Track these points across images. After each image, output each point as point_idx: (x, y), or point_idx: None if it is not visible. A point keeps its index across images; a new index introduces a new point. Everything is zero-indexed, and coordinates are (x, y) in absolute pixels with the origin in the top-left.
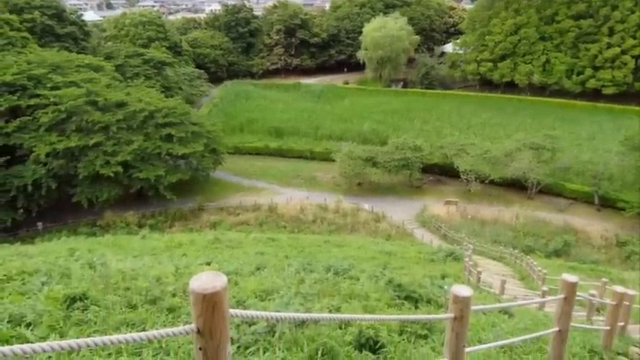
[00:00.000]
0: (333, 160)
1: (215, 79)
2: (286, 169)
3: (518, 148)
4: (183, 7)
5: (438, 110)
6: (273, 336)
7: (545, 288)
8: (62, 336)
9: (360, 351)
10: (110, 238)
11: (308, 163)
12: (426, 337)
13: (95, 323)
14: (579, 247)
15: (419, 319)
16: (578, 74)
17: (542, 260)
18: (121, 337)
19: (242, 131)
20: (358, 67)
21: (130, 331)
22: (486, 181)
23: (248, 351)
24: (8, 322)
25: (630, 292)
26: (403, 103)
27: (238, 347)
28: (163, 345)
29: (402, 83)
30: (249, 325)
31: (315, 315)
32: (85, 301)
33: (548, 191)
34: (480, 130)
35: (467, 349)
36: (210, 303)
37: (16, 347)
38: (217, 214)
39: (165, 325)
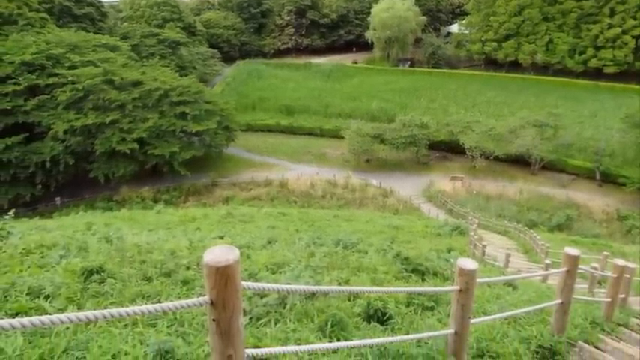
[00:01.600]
0: (343, 138)
1: (228, 59)
2: (297, 146)
3: (521, 126)
4: None
5: (444, 89)
6: (284, 307)
7: (548, 261)
8: (80, 307)
9: (369, 322)
10: (126, 212)
11: (318, 140)
12: (432, 308)
13: (112, 295)
14: (581, 221)
15: (425, 291)
16: (580, 54)
17: (545, 234)
18: (136, 308)
19: (254, 109)
20: (367, 47)
21: (146, 303)
22: (491, 158)
23: (260, 322)
24: (27, 294)
25: (630, 265)
26: (410, 82)
27: (250, 318)
28: (178, 316)
29: (409, 62)
30: (261, 297)
31: (324, 287)
32: (102, 273)
33: (551, 167)
34: (484, 108)
35: (472, 320)
36: (223, 275)
37: (35, 319)
38: (230, 189)
39: (179, 297)
